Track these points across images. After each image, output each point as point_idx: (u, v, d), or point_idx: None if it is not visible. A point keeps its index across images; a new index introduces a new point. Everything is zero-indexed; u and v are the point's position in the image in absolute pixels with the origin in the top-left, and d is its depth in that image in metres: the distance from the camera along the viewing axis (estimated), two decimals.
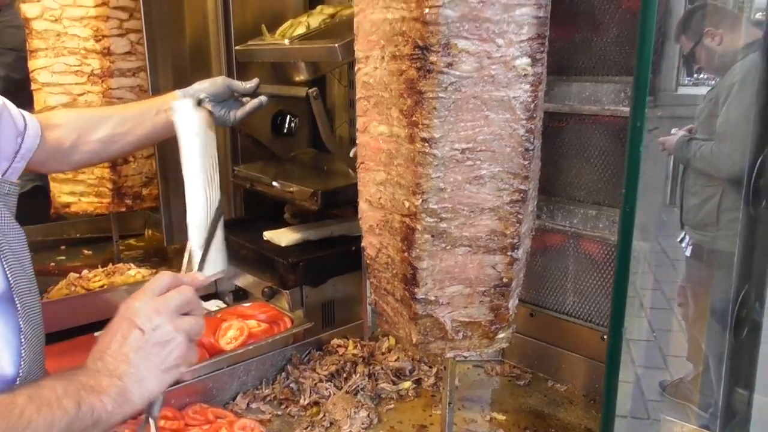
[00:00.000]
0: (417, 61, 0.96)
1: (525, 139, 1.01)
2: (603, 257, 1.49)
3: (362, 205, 1.18)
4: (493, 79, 0.97)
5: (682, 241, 2.31)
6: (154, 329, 0.86)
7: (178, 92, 1.54)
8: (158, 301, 0.88)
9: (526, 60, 0.98)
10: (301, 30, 1.91)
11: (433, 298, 1.07)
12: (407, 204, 1.03)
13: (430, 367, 1.60)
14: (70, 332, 1.79)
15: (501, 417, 1.44)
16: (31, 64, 1.93)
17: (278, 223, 2.01)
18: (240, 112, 1.60)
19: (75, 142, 1.31)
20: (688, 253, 2.25)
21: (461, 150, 0.99)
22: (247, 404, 1.48)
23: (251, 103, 1.61)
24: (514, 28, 0.96)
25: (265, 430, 1.36)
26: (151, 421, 0.92)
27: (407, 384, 1.55)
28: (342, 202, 1.78)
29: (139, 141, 1.46)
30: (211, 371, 1.47)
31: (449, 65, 0.95)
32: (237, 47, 2.04)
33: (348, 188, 1.74)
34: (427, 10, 0.93)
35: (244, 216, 2.24)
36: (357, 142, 1.16)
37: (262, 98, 1.61)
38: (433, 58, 0.95)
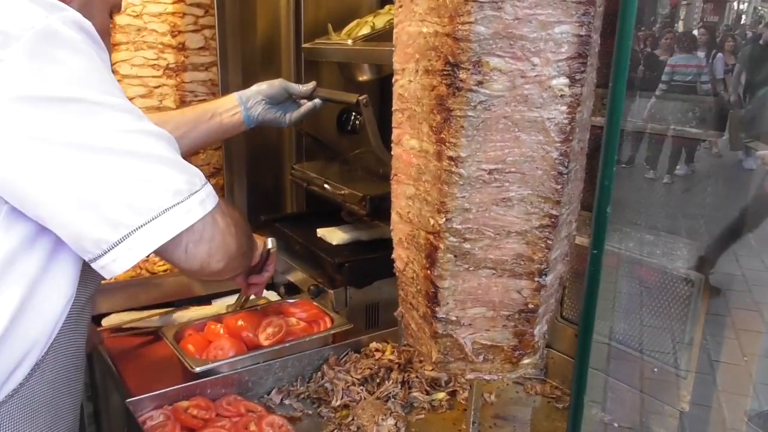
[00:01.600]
0: (447, 78, 0.93)
1: (558, 162, 0.96)
2: (658, 286, 1.40)
3: (393, 217, 1.17)
4: (526, 99, 0.93)
5: None
6: None
7: (234, 95, 1.60)
8: None
9: (563, 80, 0.93)
10: (365, 30, 1.91)
11: (454, 318, 1.05)
12: (432, 222, 1.01)
13: None
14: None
15: None
16: (113, 56, 2.04)
17: (334, 220, 2.02)
18: (295, 114, 1.66)
19: None
20: None
21: (488, 171, 0.96)
22: (281, 400, 1.51)
23: (306, 106, 1.66)
24: (552, 47, 0.91)
25: (293, 428, 1.39)
26: None
27: (441, 395, 1.53)
28: (390, 208, 1.78)
29: (194, 144, 1.53)
30: (248, 365, 1.51)
31: (479, 83, 0.92)
32: (304, 45, 2.07)
33: None
34: (458, 26, 0.90)
35: (302, 210, 2.29)
36: (392, 153, 1.15)
37: (317, 101, 1.65)
38: (462, 75, 0.92)
